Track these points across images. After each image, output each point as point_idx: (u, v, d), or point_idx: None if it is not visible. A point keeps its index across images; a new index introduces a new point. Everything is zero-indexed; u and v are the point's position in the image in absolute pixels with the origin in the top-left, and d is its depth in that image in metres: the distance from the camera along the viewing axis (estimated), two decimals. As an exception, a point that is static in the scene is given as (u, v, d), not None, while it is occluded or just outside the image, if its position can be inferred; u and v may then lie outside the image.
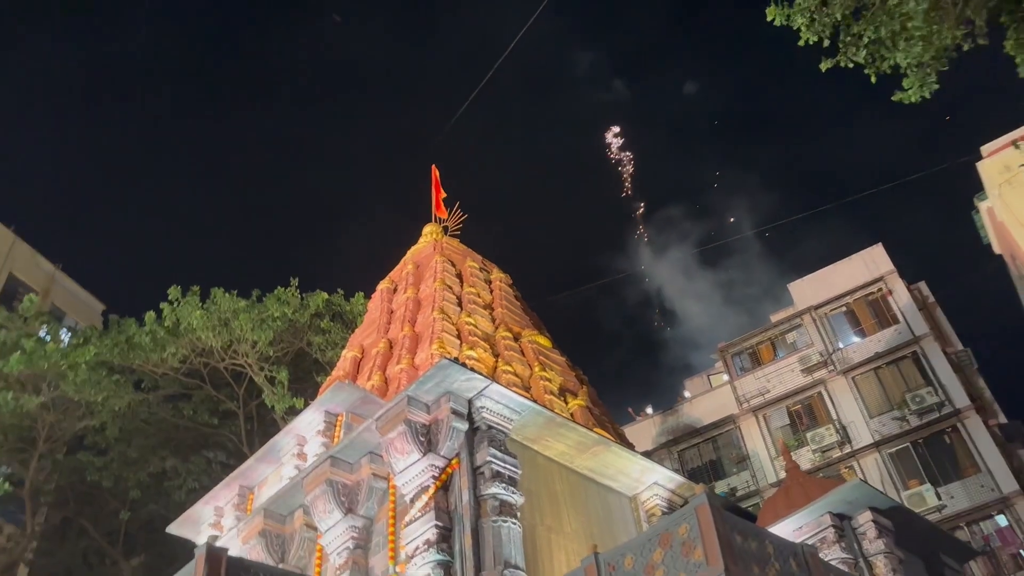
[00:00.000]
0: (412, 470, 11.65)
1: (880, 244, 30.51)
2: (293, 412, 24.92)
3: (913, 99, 13.98)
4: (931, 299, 30.88)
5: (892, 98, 14.39)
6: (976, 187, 31.65)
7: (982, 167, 30.97)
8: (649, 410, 34.10)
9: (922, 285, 31.06)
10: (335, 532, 12.24)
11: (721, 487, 28.23)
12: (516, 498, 11.39)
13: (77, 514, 28.88)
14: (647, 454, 26.11)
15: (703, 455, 30.44)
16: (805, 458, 27.19)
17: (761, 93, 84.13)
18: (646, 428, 31.70)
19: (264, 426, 28.18)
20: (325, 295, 26.35)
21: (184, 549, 28.71)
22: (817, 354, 29.35)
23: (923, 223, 73.79)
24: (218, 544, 8.47)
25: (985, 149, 30.72)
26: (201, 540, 16.38)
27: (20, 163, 72.08)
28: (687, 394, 34.24)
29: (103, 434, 26.76)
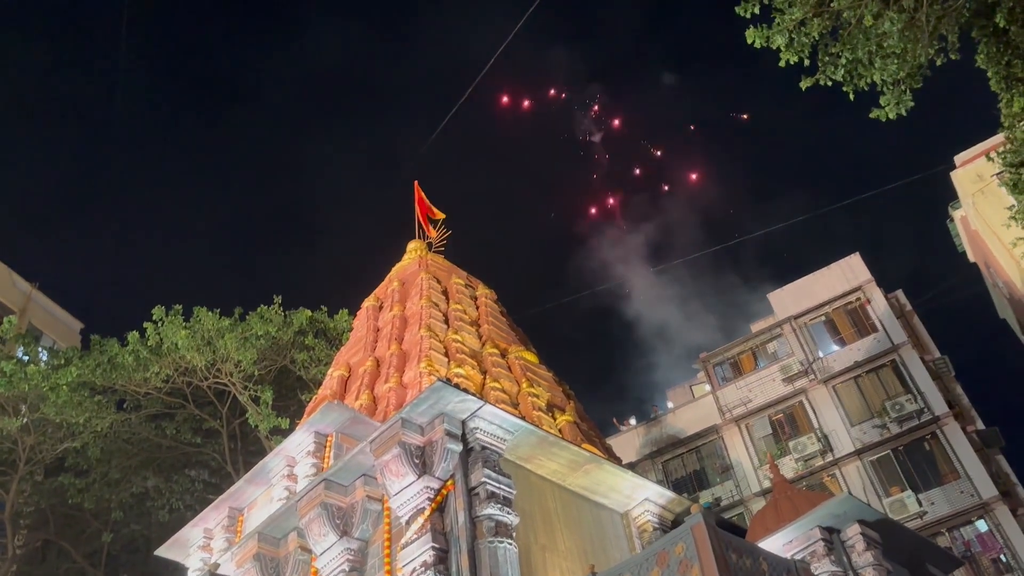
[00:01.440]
0: (407, 492, 11.69)
1: (857, 254, 30.97)
2: (277, 431, 24.86)
3: (890, 116, 14.30)
4: (908, 307, 31.37)
5: (870, 115, 14.72)
6: (950, 196, 32.23)
7: (956, 177, 31.57)
8: (632, 421, 34.29)
9: (899, 293, 31.54)
10: (330, 555, 12.23)
11: (705, 497, 28.43)
12: (511, 518, 11.47)
13: (58, 536, 28.58)
14: (631, 465, 26.34)
15: (687, 465, 30.65)
16: (788, 467, 27.47)
17: (736, 99, 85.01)
18: (629, 439, 31.87)
19: (247, 444, 28.07)
20: (308, 312, 26.31)
21: (167, 569, 28.50)
22: (798, 363, 29.68)
23: (899, 232, 74.87)
24: (213, 568, 8.49)
25: (959, 159, 31.31)
26: (190, 563, 16.30)
27: (-6, 181, 71.28)
28: (670, 404, 34.49)
29: (84, 455, 26.54)
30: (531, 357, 18.14)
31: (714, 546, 8.66)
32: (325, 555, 12.31)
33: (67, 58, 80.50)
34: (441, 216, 22.45)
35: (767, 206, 79.09)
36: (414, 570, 10.94)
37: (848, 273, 30.60)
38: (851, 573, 11.50)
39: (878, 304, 29.54)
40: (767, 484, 27.96)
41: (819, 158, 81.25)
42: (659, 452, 31.14)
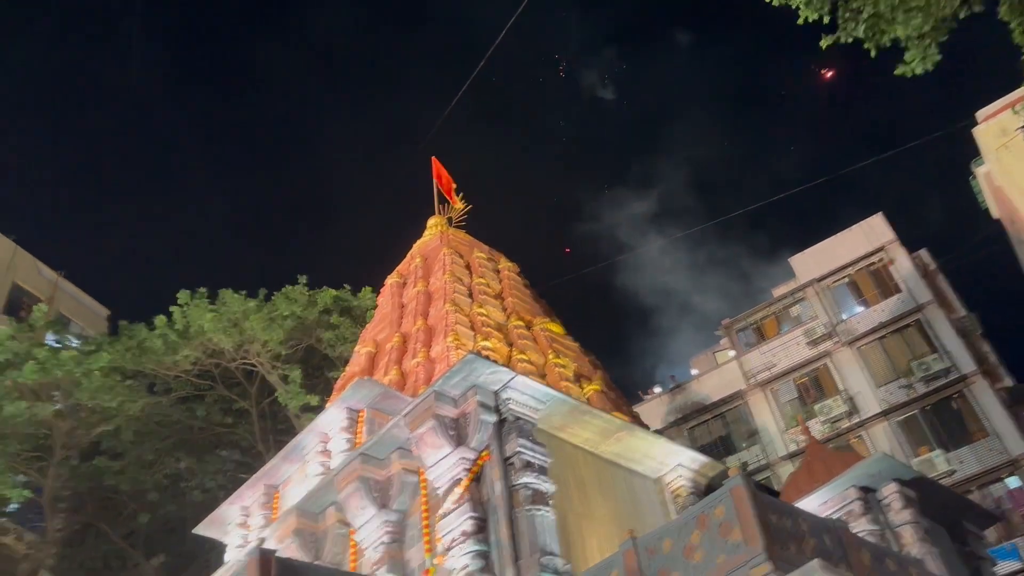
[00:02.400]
0: (443, 464, 11.84)
1: (880, 214, 30.69)
2: (307, 409, 25.13)
3: (916, 71, 14.10)
4: (933, 266, 31.10)
5: (895, 72, 14.52)
6: (973, 152, 31.82)
7: (978, 132, 31.15)
8: (657, 389, 34.35)
9: (923, 253, 31.27)
10: (369, 528, 12.43)
11: (732, 462, 28.50)
12: (547, 486, 11.60)
13: (96, 518, 29.09)
14: (657, 433, 26.38)
15: (713, 432, 30.72)
16: (814, 430, 27.44)
17: (756, 63, 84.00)
18: (655, 407, 31.95)
19: (277, 423, 28.39)
20: (333, 292, 26.49)
21: (202, 548, 29.06)
22: (822, 326, 29.58)
23: (922, 190, 73.93)
24: (260, 542, 8.65)
25: (981, 114, 30.90)
26: (229, 540, 16.61)
27: (16, 171, 71.84)
28: (694, 371, 34.50)
29: (118, 439, 26.95)
30: (556, 328, 18.20)
31: (754, 508, 8.72)
32: (364, 528, 12.50)
33: (84, 45, 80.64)
34: (454, 185, 22.42)
35: (786, 169, 78.44)
36: (454, 539, 11.11)
37: (871, 234, 30.35)
38: (888, 531, 11.56)
39: (902, 264, 29.32)
40: (793, 448, 28.01)
41: (838, 119, 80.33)
42: (684, 419, 31.21)
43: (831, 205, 77.92)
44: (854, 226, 30.91)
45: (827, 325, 29.45)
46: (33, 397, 24.89)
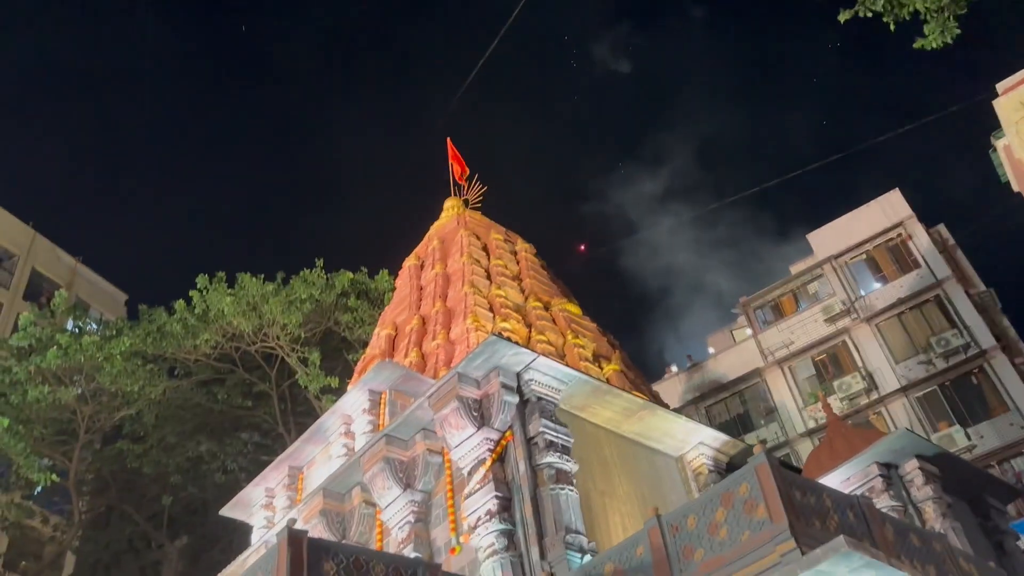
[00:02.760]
0: (467, 444, 11.94)
1: (897, 189, 30.48)
2: (326, 391, 25.31)
3: (935, 44, 13.96)
4: (951, 241, 30.89)
5: (914, 46, 14.36)
6: (993, 125, 31.46)
7: (998, 105, 30.75)
8: (673, 368, 34.36)
9: (941, 228, 31.05)
10: (395, 507, 12.57)
11: (750, 440, 28.53)
12: (571, 466, 11.69)
13: (120, 501, 29.52)
14: (675, 412, 26.42)
15: (730, 409, 30.74)
16: (833, 407, 27.40)
17: (772, 37, 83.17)
18: (672, 386, 31.98)
19: (296, 405, 28.64)
20: (350, 275, 26.59)
21: (225, 530, 29.43)
22: (840, 303, 29.47)
23: (940, 165, 73.20)
24: (291, 522, 8.76)
25: (1001, 86, 30.49)
26: (254, 521, 16.82)
27: (33, 158, 72.30)
28: (711, 350, 34.47)
29: (140, 422, 27.27)
30: (574, 309, 18.22)
31: (779, 485, 8.75)
32: (390, 507, 12.64)
33: (98, 30, 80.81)
34: (465, 172, 22.38)
35: (803, 145, 77.85)
36: (479, 518, 11.23)
37: (888, 209, 30.16)
38: (911, 507, 11.59)
39: (920, 239, 29.14)
40: (812, 424, 28.01)
41: (855, 93, 79.53)
42: (702, 397, 31.24)
43: (848, 181, 77.40)
44: (872, 202, 30.72)
45: (845, 302, 29.34)
46: (56, 382, 25.19)
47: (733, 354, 31.67)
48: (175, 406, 27.44)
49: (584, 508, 11.61)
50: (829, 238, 30.90)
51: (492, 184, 22.80)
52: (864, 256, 30.24)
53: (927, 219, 30.21)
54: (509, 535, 11.01)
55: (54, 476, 24.40)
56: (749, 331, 31.97)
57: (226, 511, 17.23)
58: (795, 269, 32.23)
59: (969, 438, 24.69)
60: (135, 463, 27.76)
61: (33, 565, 29.99)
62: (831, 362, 29.30)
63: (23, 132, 70.88)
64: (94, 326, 28.15)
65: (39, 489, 28.14)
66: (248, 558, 14.26)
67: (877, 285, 29.51)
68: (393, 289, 24.88)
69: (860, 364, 28.07)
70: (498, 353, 12.06)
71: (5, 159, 62.72)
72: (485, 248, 19.53)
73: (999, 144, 32.33)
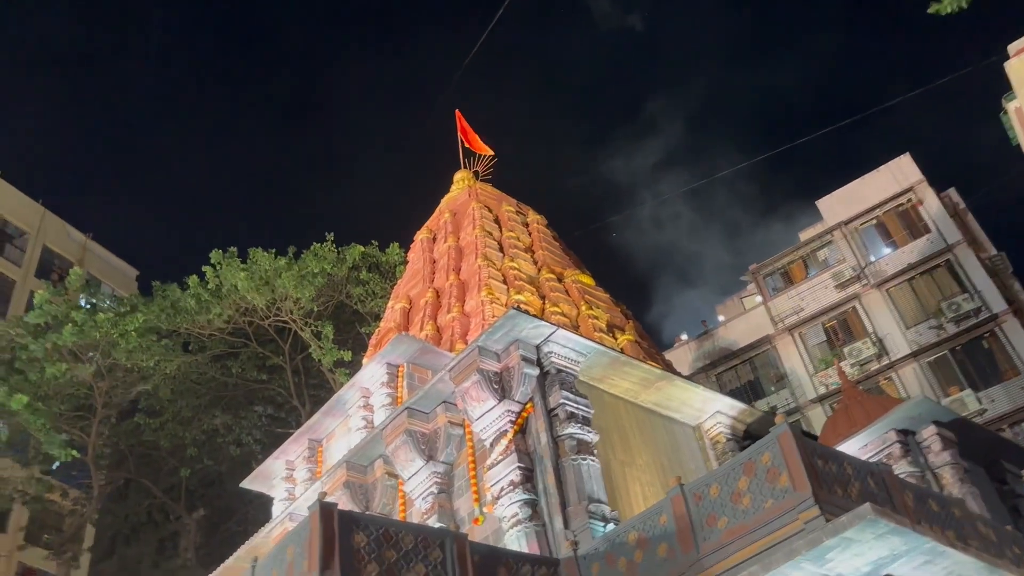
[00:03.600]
0: (489, 416, 12.08)
1: (908, 154, 30.29)
2: (339, 364, 25.49)
3: (949, 10, 13.87)
4: (962, 205, 30.78)
5: (928, 11, 14.26)
6: (1004, 87, 31.19)
7: (1010, 67, 30.48)
8: (684, 336, 34.45)
9: (952, 192, 30.92)
10: (418, 479, 12.75)
11: (761, 406, 28.70)
12: (591, 436, 11.83)
13: (138, 474, 29.91)
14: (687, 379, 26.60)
15: (741, 377, 30.86)
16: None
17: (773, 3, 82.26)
18: (682, 354, 32.09)
19: (310, 379, 28.88)
20: (361, 248, 26.66)
21: (242, 501, 29.84)
22: (850, 269, 29.45)
23: (950, 129, 72.66)
24: (321, 496, 8.89)
25: (1012, 48, 30.20)
26: (275, 493, 17.06)
27: (40, 135, 72.17)
28: (720, 318, 34.54)
29: (156, 397, 27.55)
30: (587, 280, 18.29)
31: (801, 453, 8.86)
32: (413, 479, 12.83)
33: (103, 6, 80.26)
34: (488, 151, 22.29)
35: (812, 110, 77.27)
36: (502, 488, 11.39)
37: (898, 174, 30.00)
38: (928, 473, 11.73)
39: (930, 204, 29.03)
40: (823, 391, 28.15)
41: (865, 58, 78.76)
42: (712, 365, 31.36)
43: (858, 146, 76.92)
44: (882, 167, 30.55)
45: (855, 268, 29.31)
46: (72, 358, 25.43)
47: (743, 321, 31.73)
48: (190, 380, 27.71)
49: (605, 478, 11.77)
50: (839, 204, 30.79)
51: (502, 155, 22.78)
52: (874, 222, 30.14)
53: (938, 183, 30.07)
54: (532, 505, 11.18)
55: (74, 452, 24.70)
56: (759, 298, 32.00)
57: (247, 483, 17.47)
58: (805, 236, 32.16)
59: (980, 402, 24.80)
60: (152, 437, 28.11)
61: (55, 537, 30.44)
62: (841, 328, 29.34)
63: (30, 109, 70.68)
64: (108, 303, 28.27)
65: (57, 464, 28.51)
66: (272, 530, 14.48)
67: (887, 250, 29.47)
68: (405, 262, 24.96)
69: (871, 330, 28.12)
70: (518, 326, 12.16)
71: (13, 137, 62.66)
72: (497, 220, 19.56)
73: (1010, 107, 32.08)
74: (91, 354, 25.81)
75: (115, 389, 26.81)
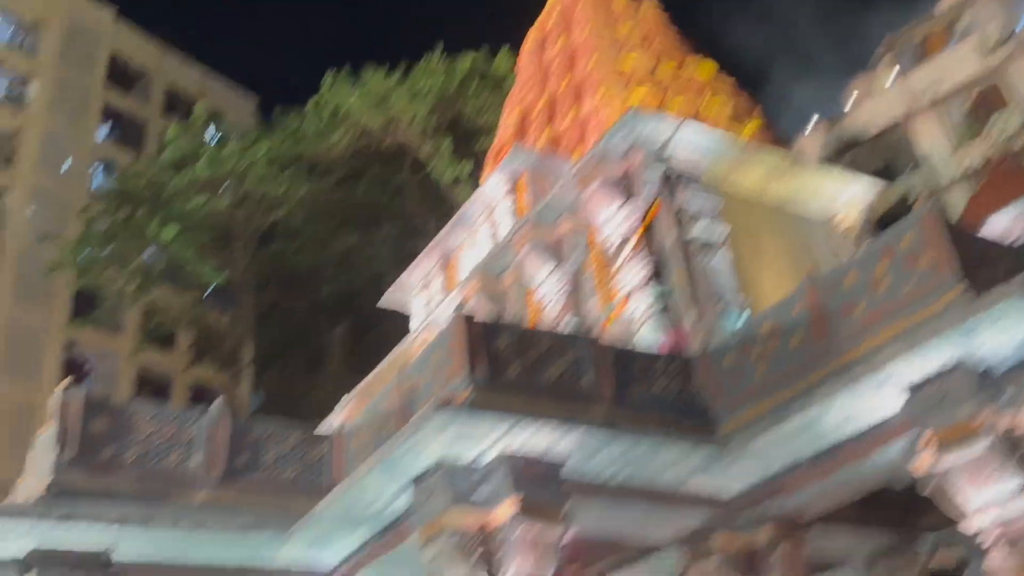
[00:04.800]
0: (614, 220, 12.09)
1: None
2: (458, 181, 25.79)
3: None
4: None
5: None
6: None
7: None
8: (810, 124, 32.74)
9: (1122, -66, 27.19)
10: (547, 285, 13.09)
11: (897, 190, 27.49)
12: (720, 231, 11.70)
13: (282, 297, 31.89)
14: (815, 168, 25.47)
15: (873, 161, 29.38)
16: (986, 151, 25.80)
17: None
18: (808, 143, 30.67)
19: (432, 196, 29.44)
20: (472, 54, 26.07)
21: (379, 317, 31.47)
22: (994, 36, 26.85)
23: None
24: (434, 308, 9.33)
25: None
26: (411, 306, 17.93)
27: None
28: (851, 99, 32.50)
29: (290, 223, 28.84)
30: (708, 66, 17.37)
31: (946, 234, 8.50)
32: (543, 285, 13.17)
33: None
34: None
35: None
36: (633, 287, 11.54)
37: (1058, -80, 26.51)
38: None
39: (1095, -48, 25.72)
40: (961, 172, 26.57)
41: None
42: (840, 152, 29.91)
43: None
44: (1038, -87, 27.00)
45: (1001, 34, 26.68)
46: (208, 190, 26.71)
47: (875, 101, 29.80)
48: (319, 204, 28.73)
49: (735, 274, 11.72)
50: (986, -38, 27.67)
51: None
52: (1027, -22, 27.06)
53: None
54: (663, 301, 11.30)
55: (223, 275, 26.35)
56: (894, 73, 29.80)
57: (384, 302, 18.38)
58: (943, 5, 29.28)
59: None
60: (291, 260, 29.66)
61: (218, 355, 33.20)
62: (984, 102, 27.19)
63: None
64: (232, 134, 29.21)
65: (208, 292, 30.67)
66: (416, 339, 15.32)
67: (1041, 11, 26.59)
68: (515, 69, 24.38)
69: (1020, 101, 25.93)
70: (639, 126, 11.87)
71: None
72: (609, 11, 18.59)
73: None
74: (224, 185, 27.01)
75: (251, 218, 28.15)
